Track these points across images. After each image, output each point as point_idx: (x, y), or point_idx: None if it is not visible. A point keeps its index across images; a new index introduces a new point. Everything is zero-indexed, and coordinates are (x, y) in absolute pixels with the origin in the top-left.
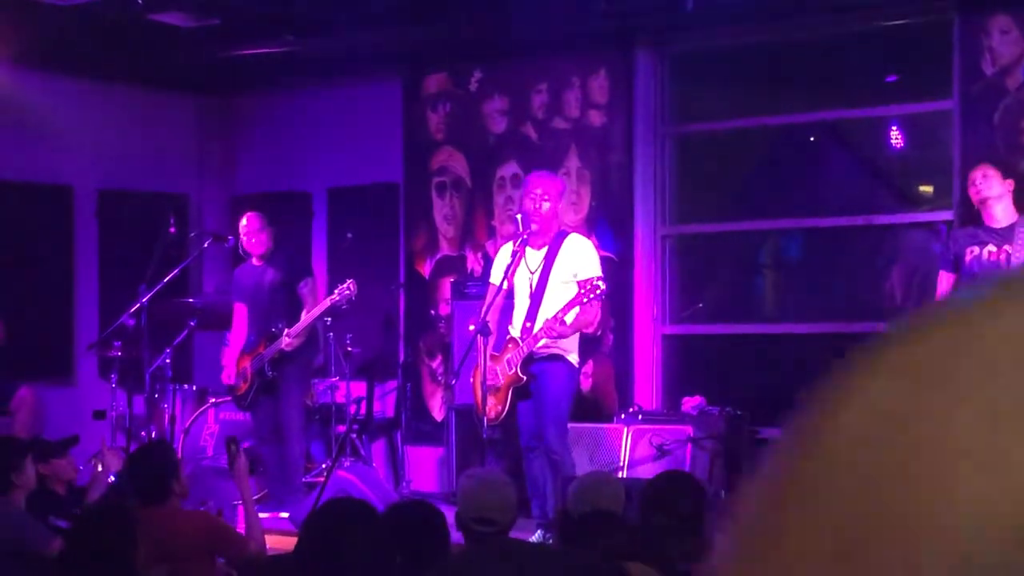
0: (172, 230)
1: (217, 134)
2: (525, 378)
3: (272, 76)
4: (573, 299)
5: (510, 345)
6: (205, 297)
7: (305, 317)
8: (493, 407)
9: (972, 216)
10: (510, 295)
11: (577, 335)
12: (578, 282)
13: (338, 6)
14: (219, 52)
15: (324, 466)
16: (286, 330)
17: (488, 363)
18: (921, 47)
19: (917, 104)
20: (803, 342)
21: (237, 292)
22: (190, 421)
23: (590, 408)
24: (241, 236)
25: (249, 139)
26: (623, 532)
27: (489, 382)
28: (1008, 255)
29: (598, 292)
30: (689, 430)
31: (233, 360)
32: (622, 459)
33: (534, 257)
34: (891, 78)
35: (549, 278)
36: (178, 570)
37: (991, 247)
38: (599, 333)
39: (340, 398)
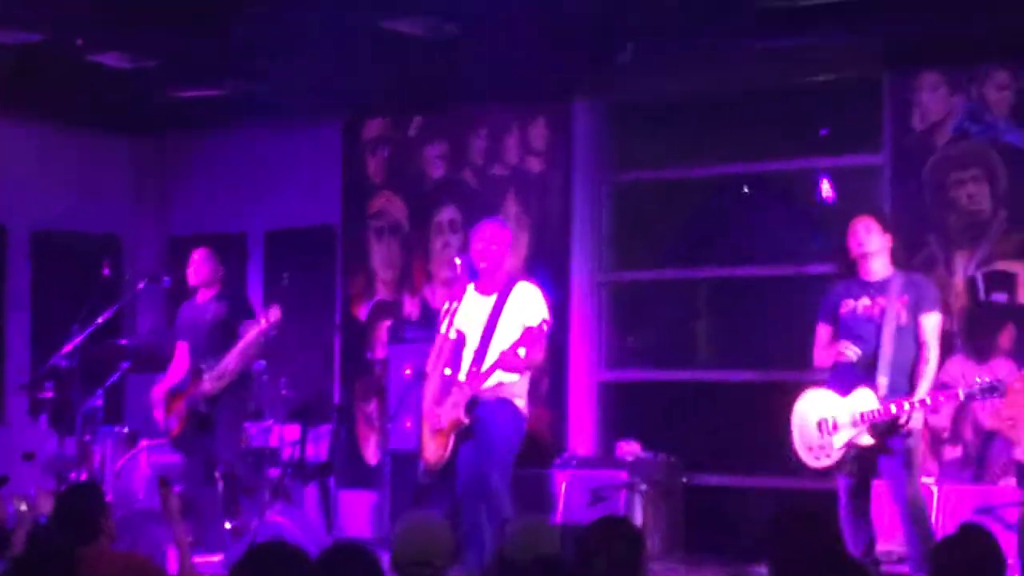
0: (106, 271)
1: (153, 175)
2: (468, 421)
3: (211, 117)
4: (521, 338)
5: (455, 388)
6: (138, 339)
7: (231, 353)
8: (435, 451)
9: (848, 268)
10: (458, 343)
11: (526, 380)
12: (525, 328)
13: (279, 49)
14: (157, 93)
15: (257, 510)
16: (206, 374)
17: (432, 407)
18: (853, 102)
19: (848, 157)
20: (737, 390)
21: (178, 329)
22: (121, 464)
23: (526, 454)
24: (187, 269)
25: (186, 180)
26: None
27: (433, 426)
28: (882, 308)
29: (543, 328)
30: (624, 476)
31: (161, 398)
32: (558, 504)
33: (483, 304)
34: (823, 132)
35: (497, 326)
36: None
37: (865, 300)
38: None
39: (274, 441)
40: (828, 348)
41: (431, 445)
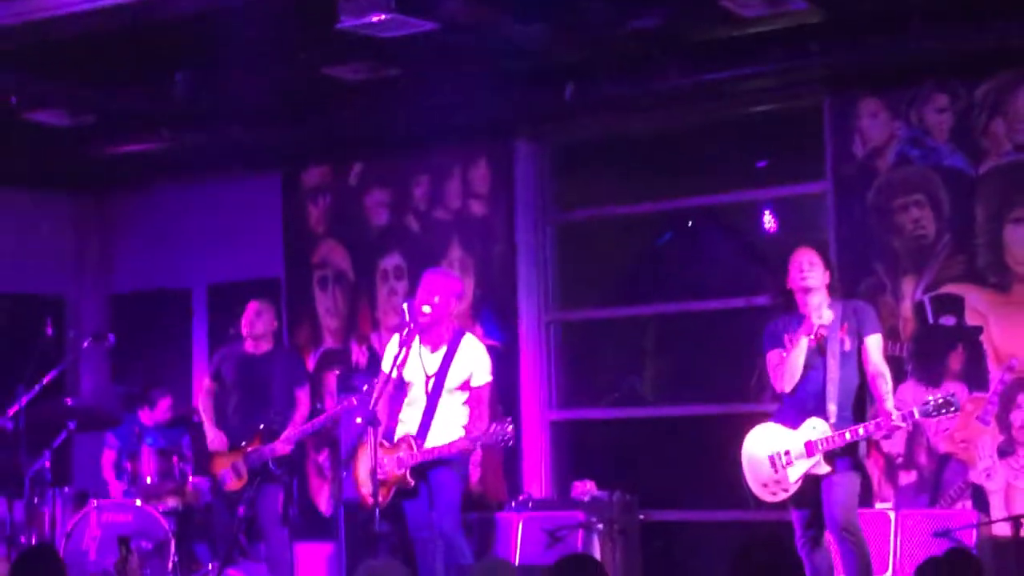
0: (49, 331)
1: (93, 233)
2: (412, 483)
3: (149, 172)
4: (456, 442)
5: (403, 445)
6: (83, 398)
7: (311, 423)
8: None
9: (786, 300)
10: (399, 385)
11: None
12: (470, 389)
13: (215, 101)
14: (94, 150)
15: (210, 567)
16: (284, 434)
17: (379, 453)
18: (794, 131)
19: (792, 186)
20: (689, 424)
21: (220, 376)
22: (72, 525)
23: (480, 498)
24: (242, 319)
25: (126, 237)
26: None
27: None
28: (824, 338)
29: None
30: (580, 516)
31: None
32: (515, 547)
33: (431, 360)
34: (761, 163)
35: (445, 383)
36: None
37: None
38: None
39: None
40: (782, 367)
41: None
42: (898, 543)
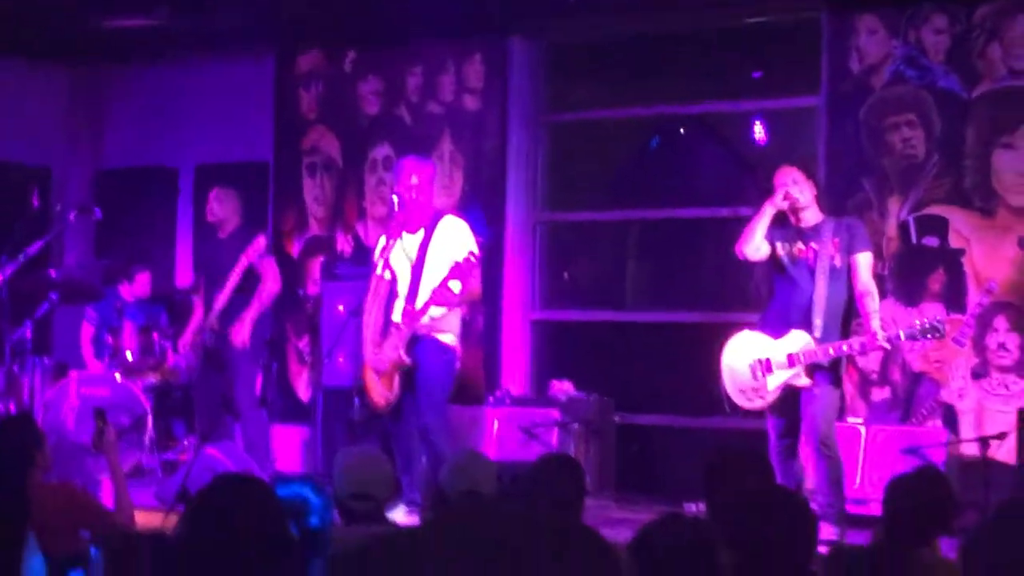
0: (35, 202)
1: (84, 106)
2: (410, 360)
3: (143, 49)
4: (451, 272)
5: (393, 329)
6: (67, 270)
7: (224, 289)
8: (382, 393)
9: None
10: (392, 283)
11: (456, 316)
12: (453, 263)
13: None
14: (90, 22)
15: (186, 443)
16: (212, 313)
17: (372, 349)
18: (791, 44)
19: (786, 99)
20: (669, 330)
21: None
22: (51, 395)
23: (458, 391)
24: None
25: (117, 112)
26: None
27: (375, 367)
28: (815, 253)
29: (472, 260)
30: (556, 414)
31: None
32: (490, 442)
33: (411, 241)
34: (756, 74)
35: (426, 262)
36: (42, 544)
37: (800, 245)
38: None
39: None
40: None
41: (377, 387)
42: (867, 458)
